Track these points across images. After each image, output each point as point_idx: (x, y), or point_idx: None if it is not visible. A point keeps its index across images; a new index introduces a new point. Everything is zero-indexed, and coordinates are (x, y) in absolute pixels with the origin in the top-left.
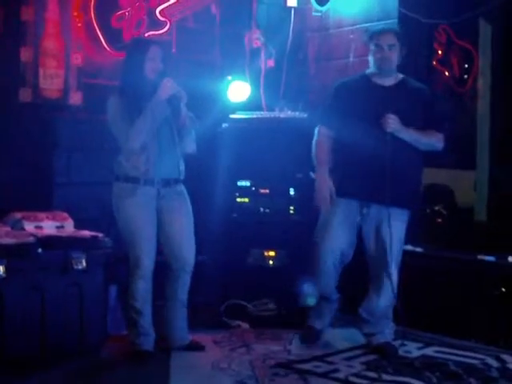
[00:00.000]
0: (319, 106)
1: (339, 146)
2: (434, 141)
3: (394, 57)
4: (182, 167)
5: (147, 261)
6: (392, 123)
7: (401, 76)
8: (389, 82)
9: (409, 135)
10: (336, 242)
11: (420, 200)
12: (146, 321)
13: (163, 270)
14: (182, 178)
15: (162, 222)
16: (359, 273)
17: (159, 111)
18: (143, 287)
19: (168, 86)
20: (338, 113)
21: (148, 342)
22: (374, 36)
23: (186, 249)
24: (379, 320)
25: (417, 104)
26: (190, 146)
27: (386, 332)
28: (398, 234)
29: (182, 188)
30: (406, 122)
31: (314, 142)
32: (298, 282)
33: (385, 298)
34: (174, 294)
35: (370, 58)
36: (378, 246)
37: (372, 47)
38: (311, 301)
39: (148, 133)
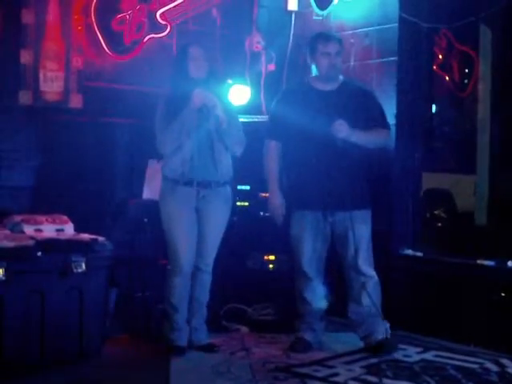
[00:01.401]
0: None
1: (289, 158)
2: (381, 138)
3: (340, 63)
4: (226, 169)
5: (184, 259)
6: (342, 129)
7: (341, 78)
8: (330, 86)
9: (359, 138)
10: (310, 253)
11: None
12: (181, 316)
13: None
14: (223, 179)
15: (200, 221)
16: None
17: (190, 119)
18: (180, 284)
19: (198, 97)
20: (282, 123)
21: (181, 338)
22: (323, 42)
23: (206, 249)
24: (370, 319)
25: (360, 104)
26: (236, 148)
27: (379, 329)
28: (364, 236)
29: (224, 190)
30: (351, 124)
31: (264, 157)
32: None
33: (366, 297)
34: (192, 294)
35: (318, 64)
36: (347, 248)
37: (317, 54)
38: (323, 303)
39: (179, 139)
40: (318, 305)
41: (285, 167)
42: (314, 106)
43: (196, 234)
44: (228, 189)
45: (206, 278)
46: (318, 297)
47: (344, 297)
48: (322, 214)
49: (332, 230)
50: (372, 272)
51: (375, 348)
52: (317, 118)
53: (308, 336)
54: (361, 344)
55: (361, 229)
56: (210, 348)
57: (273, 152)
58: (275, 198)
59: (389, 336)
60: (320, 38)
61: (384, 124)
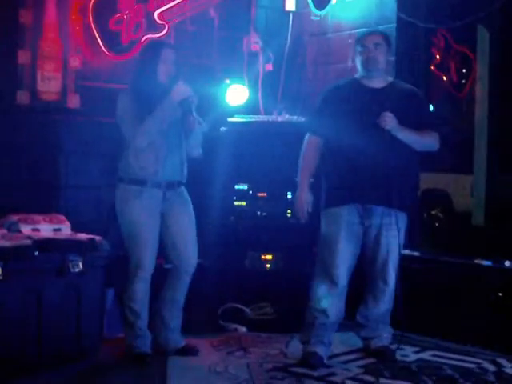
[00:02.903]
0: (309, 112)
1: (332, 154)
2: (430, 141)
3: (381, 57)
4: (186, 170)
5: (148, 263)
6: (390, 121)
7: (390, 79)
8: (378, 83)
9: (406, 134)
10: (345, 263)
11: (415, 205)
12: (144, 323)
13: (161, 272)
14: (184, 180)
15: (166, 224)
16: (356, 277)
17: (170, 113)
18: (142, 289)
19: (181, 90)
20: (327, 119)
21: (145, 344)
22: (361, 38)
23: (190, 250)
24: (376, 325)
25: (408, 105)
26: (196, 150)
27: (384, 336)
28: (398, 242)
29: (184, 190)
30: (400, 122)
31: (302, 151)
32: (309, 284)
33: (382, 304)
34: (172, 296)
35: (357, 61)
36: (377, 255)
37: (358, 49)
38: (325, 302)
39: (156, 133)
40: (335, 318)
41: (326, 164)
42: (361, 103)
43: (158, 237)
44: (184, 189)
45: (188, 280)
46: (338, 308)
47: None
48: (358, 215)
49: (365, 234)
50: (394, 281)
51: (373, 352)
52: (365, 114)
53: (320, 350)
54: (359, 344)
55: (395, 236)
56: (192, 351)
57: (313, 147)
58: (304, 194)
59: (389, 344)
60: (361, 34)
61: (434, 127)
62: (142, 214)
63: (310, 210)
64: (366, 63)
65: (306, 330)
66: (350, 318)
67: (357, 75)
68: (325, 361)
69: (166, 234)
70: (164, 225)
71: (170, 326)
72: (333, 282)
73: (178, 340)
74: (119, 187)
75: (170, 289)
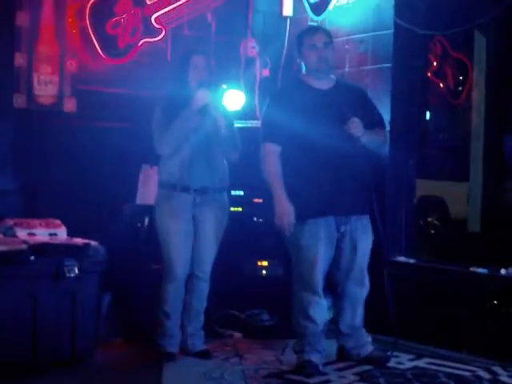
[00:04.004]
0: (261, 120)
1: (292, 162)
2: (382, 139)
3: (330, 55)
4: (223, 175)
5: (179, 267)
6: (358, 128)
7: (333, 77)
8: (325, 84)
9: (369, 138)
10: (323, 272)
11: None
12: (174, 323)
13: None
14: (220, 186)
15: (194, 229)
16: None
17: (191, 120)
18: (174, 291)
19: (201, 97)
20: (280, 125)
21: (173, 345)
22: (307, 36)
23: (203, 256)
24: (359, 331)
25: (358, 104)
26: (233, 154)
27: (369, 340)
28: (370, 244)
29: (221, 197)
30: None
31: (265, 163)
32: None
33: (361, 309)
34: (189, 301)
35: (305, 60)
36: (354, 259)
37: (305, 49)
38: (311, 312)
39: (178, 140)
40: (323, 323)
41: (286, 173)
42: (313, 106)
43: (191, 242)
44: (224, 195)
45: (203, 286)
46: (324, 315)
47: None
48: (334, 222)
49: (340, 240)
50: (368, 283)
51: (366, 359)
52: (319, 118)
53: (315, 358)
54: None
55: (369, 237)
56: (205, 354)
57: (273, 156)
58: (284, 205)
59: (374, 348)
60: (305, 31)
61: (382, 124)
62: (172, 218)
63: (293, 221)
64: (318, 64)
65: (298, 340)
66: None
67: (301, 75)
68: (320, 368)
69: (195, 237)
70: (195, 229)
71: (188, 331)
72: (314, 292)
73: (195, 344)
74: (158, 190)
75: (187, 294)
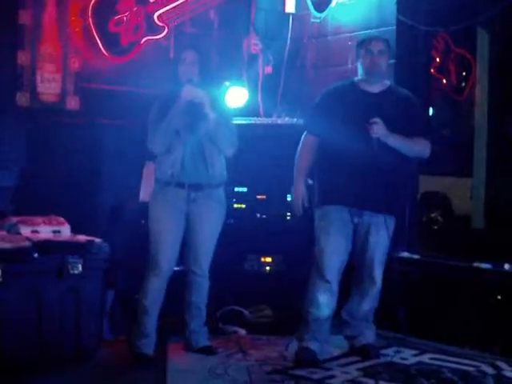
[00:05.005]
0: (306, 112)
1: (326, 153)
2: (420, 147)
3: (384, 63)
4: (218, 171)
5: (165, 262)
6: (377, 128)
7: (388, 83)
8: (376, 88)
9: (395, 141)
10: (336, 258)
11: (405, 207)
12: (151, 322)
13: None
14: (216, 182)
15: (189, 226)
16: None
17: (177, 117)
18: (155, 287)
19: (187, 92)
20: (324, 120)
21: (148, 345)
22: (365, 42)
23: (201, 253)
24: (360, 322)
25: (403, 111)
26: (228, 150)
27: (367, 333)
28: (385, 242)
29: (216, 193)
30: (393, 128)
31: (299, 149)
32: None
33: (368, 302)
34: (189, 298)
35: (359, 65)
36: (365, 253)
37: (362, 53)
38: (317, 297)
39: (168, 137)
40: (329, 312)
41: (319, 162)
42: (357, 106)
43: (181, 238)
44: (221, 191)
45: (203, 282)
46: (332, 304)
47: (340, 299)
48: (348, 212)
49: (355, 231)
50: (380, 280)
51: (357, 350)
52: (358, 117)
53: (314, 346)
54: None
55: (383, 235)
56: (208, 350)
57: (309, 146)
58: (300, 187)
59: (373, 342)
60: (365, 38)
61: (425, 135)
62: (164, 213)
63: (306, 204)
64: (370, 68)
65: (301, 327)
66: (336, 316)
67: (356, 78)
68: (318, 356)
69: (186, 235)
70: (187, 226)
71: (190, 327)
72: (322, 276)
73: (198, 340)
74: (154, 185)
75: (187, 291)
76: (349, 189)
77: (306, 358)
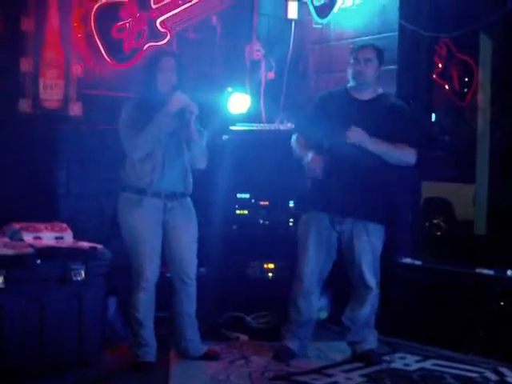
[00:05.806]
0: (298, 113)
1: None
2: (403, 154)
3: (370, 72)
4: (190, 181)
5: (150, 273)
6: (352, 135)
7: (380, 91)
8: (366, 95)
9: (376, 147)
10: (313, 264)
11: (399, 213)
12: (148, 332)
13: (168, 283)
14: (189, 192)
15: (167, 236)
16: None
17: (166, 124)
18: (145, 298)
19: (178, 100)
20: (313, 123)
21: (149, 353)
22: (354, 50)
23: (187, 262)
24: (362, 328)
25: (391, 120)
26: (200, 162)
27: (370, 339)
28: (372, 247)
29: (188, 202)
30: (379, 136)
31: (294, 145)
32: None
33: (366, 307)
34: (179, 308)
35: (348, 72)
36: (353, 259)
37: (351, 61)
38: (322, 314)
39: (152, 144)
40: (308, 316)
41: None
42: (343, 112)
43: (160, 247)
44: (189, 200)
45: (191, 290)
46: (311, 309)
47: (343, 305)
48: (329, 220)
49: (339, 240)
50: (374, 285)
51: (359, 356)
52: (343, 123)
53: (292, 344)
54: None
55: (367, 241)
56: (210, 356)
57: (303, 143)
58: (309, 156)
59: (375, 347)
60: (355, 46)
61: (410, 143)
62: (142, 224)
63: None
64: (355, 76)
65: (284, 325)
66: (337, 323)
67: (348, 84)
68: (298, 355)
69: (167, 245)
70: (165, 235)
71: (186, 337)
72: (300, 281)
73: (197, 348)
74: (121, 196)
75: (176, 301)
76: (330, 196)
77: (283, 358)
